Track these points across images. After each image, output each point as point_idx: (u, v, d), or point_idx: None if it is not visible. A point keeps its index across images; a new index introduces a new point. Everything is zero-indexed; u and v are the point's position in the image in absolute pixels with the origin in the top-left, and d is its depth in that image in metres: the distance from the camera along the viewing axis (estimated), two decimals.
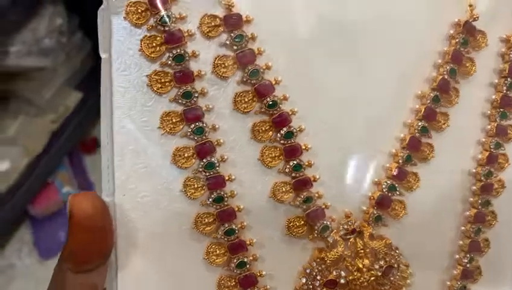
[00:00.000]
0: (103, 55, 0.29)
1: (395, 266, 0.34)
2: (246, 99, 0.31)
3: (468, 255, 0.36)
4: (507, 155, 0.36)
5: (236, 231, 0.31)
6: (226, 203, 0.31)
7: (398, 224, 0.34)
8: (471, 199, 0.36)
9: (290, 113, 0.31)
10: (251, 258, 0.32)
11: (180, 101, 0.30)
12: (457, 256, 0.36)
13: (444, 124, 0.34)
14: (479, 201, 0.36)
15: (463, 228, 0.36)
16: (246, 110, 0.31)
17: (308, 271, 0.33)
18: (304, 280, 0.33)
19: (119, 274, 0.31)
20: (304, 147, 0.32)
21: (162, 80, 0.30)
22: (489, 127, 0.35)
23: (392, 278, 0.34)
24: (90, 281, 0.30)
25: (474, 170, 0.36)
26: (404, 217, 0.34)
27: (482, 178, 0.36)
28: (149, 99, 0.30)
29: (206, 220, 0.31)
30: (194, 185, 0.31)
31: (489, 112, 0.35)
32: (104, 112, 0.30)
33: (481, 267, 0.37)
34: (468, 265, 0.36)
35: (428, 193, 0.35)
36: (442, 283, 0.36)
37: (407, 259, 0.35)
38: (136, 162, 0.30)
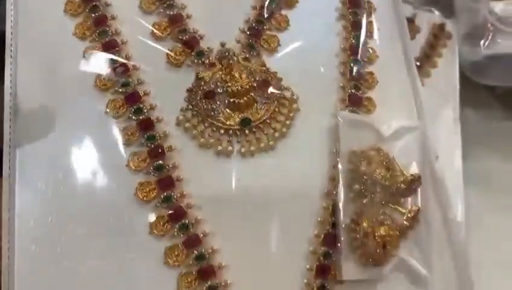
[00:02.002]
0: None
1: (271, 82, 0.36)
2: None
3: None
4: None
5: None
6: None
7: (277, 57, 0.38)
8: None
9: None
10: (136, 82, 0.36)
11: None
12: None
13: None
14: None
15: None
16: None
17: (189, 88, 0.36)
18: (186, 99, 0.36)
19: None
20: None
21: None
22: None
23: (272, 91, 0.36)
24: None
25: None
26: (280, 49, 0.38)
27: None
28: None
29: None
30: None
31: None
32: None
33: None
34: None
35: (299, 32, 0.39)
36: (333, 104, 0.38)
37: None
38: None
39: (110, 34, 0.37)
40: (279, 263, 0.33)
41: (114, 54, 0.36)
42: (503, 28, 0.55)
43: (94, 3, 0.37)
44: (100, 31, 0.36)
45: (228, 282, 0.32)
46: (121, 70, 0.36)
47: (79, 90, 0.36)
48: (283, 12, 0.39)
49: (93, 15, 0.37)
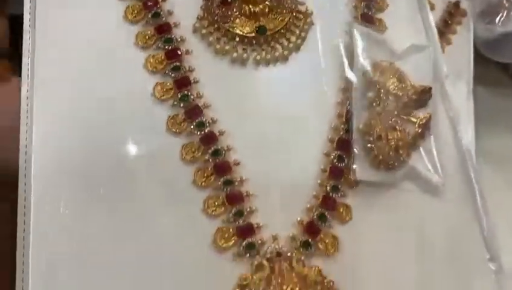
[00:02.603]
0: None
1: None
2: None
3: None
4: None
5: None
6: None
7: None
8: None
9: None
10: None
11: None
12: None
13: None
14: None
15: None
16: None
17: None
18: (202, 7, 0.36)
19: None
20: None
21: None
22: None
23: (287, 3, 0.37)
24: None
25: None
26: None
27: None
28: None
29: None
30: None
31: None
32: None
33: None
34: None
35: None
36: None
37: None
38: None
39: None
40: (293, 162, 0.34)
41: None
42: None
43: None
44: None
45: (244, 178, 0.33)
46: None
47: None
48: None
49: None
